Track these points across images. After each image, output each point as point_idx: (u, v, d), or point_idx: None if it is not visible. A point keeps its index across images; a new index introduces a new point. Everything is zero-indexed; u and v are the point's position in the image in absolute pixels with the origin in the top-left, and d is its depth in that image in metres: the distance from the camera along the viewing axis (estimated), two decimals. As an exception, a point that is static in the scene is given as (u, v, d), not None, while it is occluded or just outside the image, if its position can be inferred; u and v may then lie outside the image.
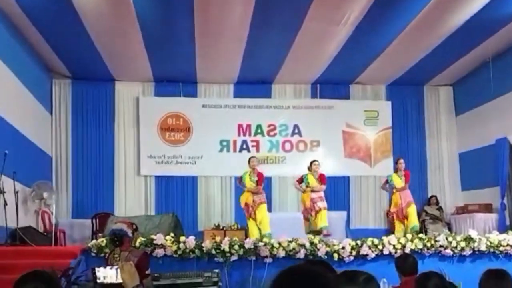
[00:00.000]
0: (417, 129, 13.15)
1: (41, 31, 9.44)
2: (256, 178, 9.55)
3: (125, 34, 9.54)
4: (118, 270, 4.13)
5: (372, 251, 7.90)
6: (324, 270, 1.86)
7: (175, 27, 9.36)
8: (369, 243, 7.95)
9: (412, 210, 9.83)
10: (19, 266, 6.35)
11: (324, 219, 9.49)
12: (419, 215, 12.42)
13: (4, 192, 7.87)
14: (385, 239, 8.12)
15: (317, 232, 9.13)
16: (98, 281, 4.75)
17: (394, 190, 10.12)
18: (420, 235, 8.54)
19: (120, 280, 3.51)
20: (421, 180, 12.86)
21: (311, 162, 10.05)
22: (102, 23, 9.07)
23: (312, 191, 9.68)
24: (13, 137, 9.19)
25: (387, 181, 10.35)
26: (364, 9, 8.73)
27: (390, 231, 12.31)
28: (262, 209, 9.37)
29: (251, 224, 9.37)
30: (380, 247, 7.94)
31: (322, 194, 9.77)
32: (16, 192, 8.40)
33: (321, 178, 9.86)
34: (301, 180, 10.01)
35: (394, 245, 7.98)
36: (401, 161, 10.12)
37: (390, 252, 7.90)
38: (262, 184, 9.63)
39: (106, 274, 4.72)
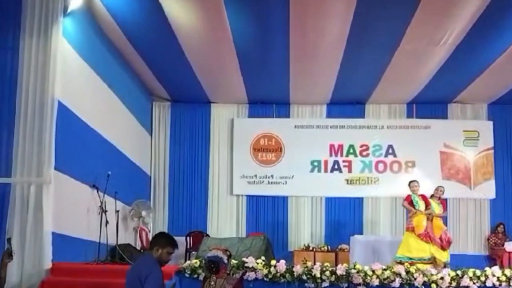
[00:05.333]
0: (522, 150, 12.42)
1: (144, 58, 9.92)
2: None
3: (222, 59, 9.79)
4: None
5: (474, 283, 7.44)
6: None
7: (270, 50, 9.45)
8: (471, 274, 7.49)
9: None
10: (119, 286, 6.61)
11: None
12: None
13: (106, 211, 8.25)
14: (488, 270, 7.60)
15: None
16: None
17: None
18: (528, 266, 7.98)
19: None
20: (528, 205, 12.14)
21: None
22: (201, 49, 9.36)
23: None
24: (116, 158, 9.64)
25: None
26: (465, 29, 8.40)
27: (490, 257, 11.74)
28: (406, 235, 9.21)
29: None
30: (482, 278, 7.46)
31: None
32: (117, 211, 8.82)
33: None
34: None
35: (498, 277, 7.47)
36: (441, 189, 9.67)
37: (493, 285, 7.38)
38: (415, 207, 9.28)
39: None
